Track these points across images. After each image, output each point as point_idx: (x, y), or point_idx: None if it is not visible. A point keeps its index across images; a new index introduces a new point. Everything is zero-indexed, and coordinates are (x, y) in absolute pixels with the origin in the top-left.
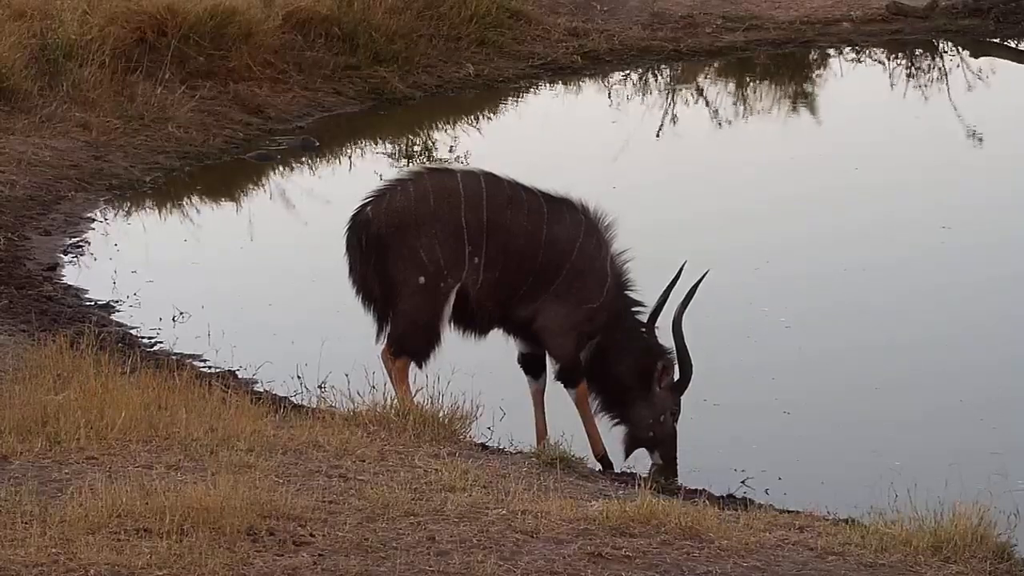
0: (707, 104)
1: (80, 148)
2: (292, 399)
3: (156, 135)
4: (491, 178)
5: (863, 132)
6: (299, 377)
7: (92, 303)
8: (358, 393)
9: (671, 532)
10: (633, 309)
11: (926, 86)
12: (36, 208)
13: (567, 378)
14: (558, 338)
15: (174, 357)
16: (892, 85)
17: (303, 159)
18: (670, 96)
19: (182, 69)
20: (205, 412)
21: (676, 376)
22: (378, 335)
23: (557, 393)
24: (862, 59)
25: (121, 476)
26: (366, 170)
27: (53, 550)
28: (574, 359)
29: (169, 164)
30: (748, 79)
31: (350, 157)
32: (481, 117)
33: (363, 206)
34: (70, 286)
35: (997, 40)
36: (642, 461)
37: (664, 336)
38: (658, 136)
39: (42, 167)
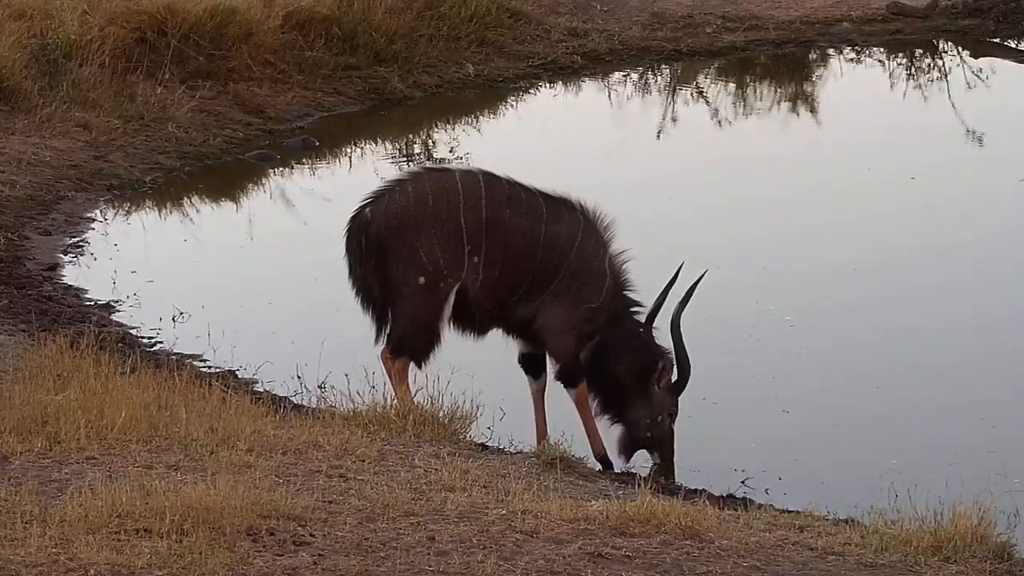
0: (707, 104)
1: (80, 148)
2: (292, 399)
3: (156, 135)
4: (490, 177)
5: (864, 132)
6: (299, 377)
7: (92, 303)
8: (358, 393)
9: (671, 532)
10: (632, 309)
11: (926, 86)
12: (36, 208)
13: (567, 378)
14: (558, 338)
15: (174, 357)
16: (892, 85)
17: (303, 159)
18: (670, 96)
19: (182, 69)
20: (205, 412)
21: (674, 376)
22: (377, 335)
23: (557, 393)
24: (862, 59)
25: (121, 476)
26: (366, 170)
27: (53, 550)
28: (574, 359)
29: (169, 164)
30: (748, 79)
31: (350, 157)
32: (481, 117)
33: (362, 207)
34: (70, 286)
35: (997, 40)
36: (642, 461)
37: (663, 336)
38: (658, 136)
39: (42, 167)
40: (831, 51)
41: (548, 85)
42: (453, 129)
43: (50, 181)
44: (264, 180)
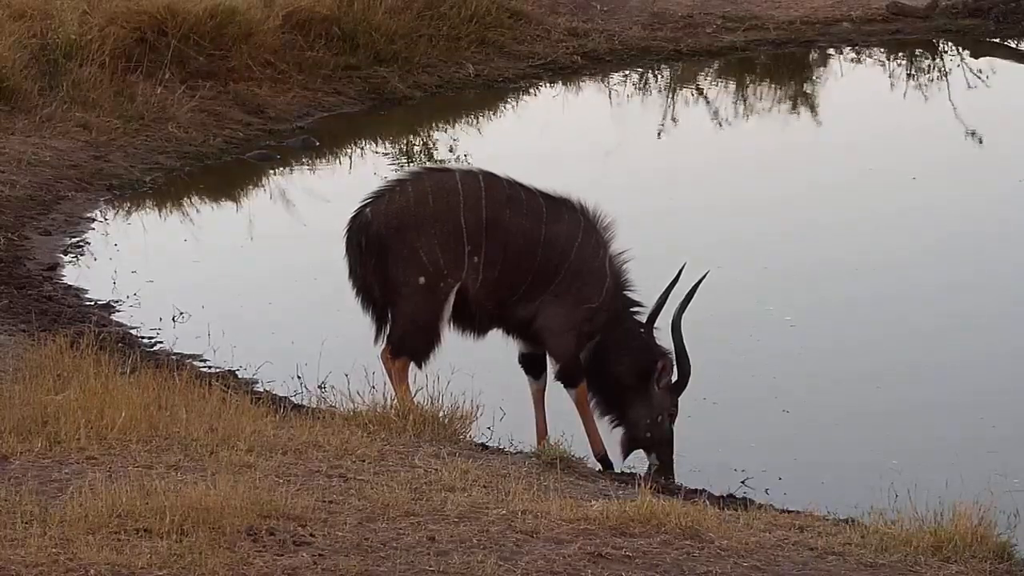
0: (707, 104)
1: (80, 148)
2: (292, 399)
3: (156, 135)
4: (490, 177)
5: (864, 132)
6: (299, 377)
7: (92, 303)
8: (358, 393)
9: (671, 532)
10: (632, 309)
11: (926, 86)
12: (36, 208)
13: (567, 378)
14: (558, 338)
15: (174, 357)
16: (892, 85)
17: (303, 159)
18: (670, 96)
19: (182, 69)
20: (205, 412)
21: (674, 377)
22: (377, 335)
23: (557, 393)
24: (862, 59)
25: (121, 476)
26: (366, 170)
27: (53, 550)
28: (574, 359)
29: (169, 164)
30: (748, 79)
31: (350, 157)
32: (481, 117)
33: (362, 207)
34: (70, 286)
35: (997, 40)
36: (642, 461)
37: (663, 337)
38: (658, 136)
39: (42, 167)
40: (831, 51)
41: (548, 85)
42: (453, 129)
43: (50, 181)
44: (264, 180)
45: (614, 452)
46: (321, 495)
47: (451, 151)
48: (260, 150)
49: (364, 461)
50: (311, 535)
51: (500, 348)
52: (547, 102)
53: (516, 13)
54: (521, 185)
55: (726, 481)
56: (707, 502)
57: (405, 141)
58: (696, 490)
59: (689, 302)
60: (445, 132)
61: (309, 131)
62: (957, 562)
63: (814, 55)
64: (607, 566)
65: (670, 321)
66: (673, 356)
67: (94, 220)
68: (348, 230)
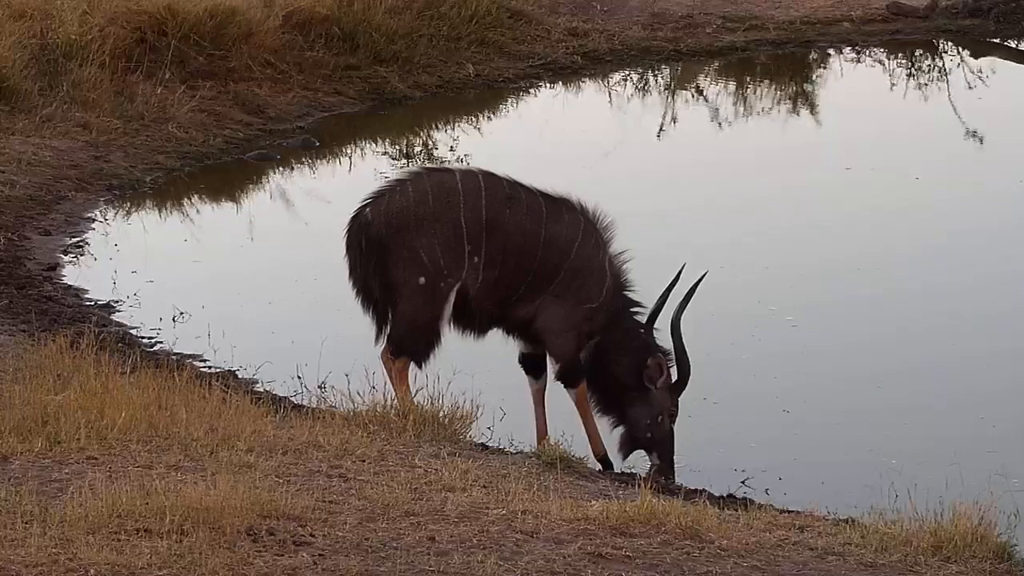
0: (707, 104)
1: (80, 148)
2: (292, 399)
3: (156, 135)
4: (490, 177)
5: (864, 132)
6: (299, 377)
7: (92, 303)
8: (358, 393)
9: (671, 532)
10: (632, 309)
11: (926, 86)
12: (36, 208)
13: (567, 378)
14: (557, 338)
15: (174, 357)
16: (892, 85)
17: (303, 159)
18: (670, 96)
19: (182, 69)
20: (205, 412)
21: (674, 377)
22: (377, 336)
23: (557, 393)
24: (862, 59)
25: (121, 476)
26: (366, 170)
27: (53, 550)
28: (574, 359)
29: (169, 164)
30: (748, 79)
31: (350, 157)
32: (481, 117)
33: (362, 207)
34: (70, 286)
35: (997, 40)
36: (642, 461)
37: (663, 337)
38: (658, 136)
39: (42, 167)
40: (831, 51)
41: (548, 85)
42: (453, 129)
43: (50, 181)
44: (264, 180)
45: (614, 452)
46: (321, 495)
47: (451, 151)
48: (260, 150)
49: (364, 461)
50: (311, 535)
51: (500, 348)
52: (547, 102)
53: (516, 13)
54: (521, 185)
55: (726, 481)
56: (707, 502)
57: (405, 141)
58: (696, 490)
59: (688, 302)
60: (445, 132)
61: (309, 131)
62: (957, 562)
63: (814, 55)
64: (607, 566)
65: (670, 321)
66: (673, 356)
67: (94, 220)
68: (348, 230)
